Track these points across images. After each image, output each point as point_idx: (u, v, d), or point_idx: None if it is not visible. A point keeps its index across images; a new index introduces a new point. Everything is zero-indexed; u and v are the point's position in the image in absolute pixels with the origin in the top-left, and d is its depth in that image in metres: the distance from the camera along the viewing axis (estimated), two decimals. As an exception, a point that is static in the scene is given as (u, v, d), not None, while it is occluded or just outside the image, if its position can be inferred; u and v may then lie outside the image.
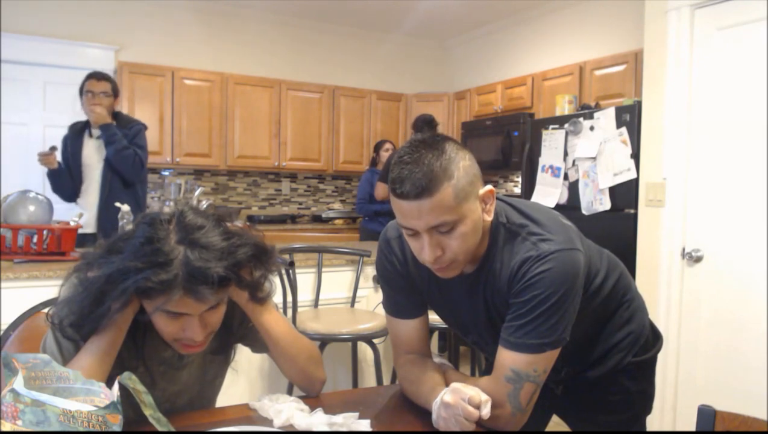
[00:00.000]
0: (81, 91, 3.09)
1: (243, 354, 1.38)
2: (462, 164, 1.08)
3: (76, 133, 3.18)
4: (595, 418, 1.38)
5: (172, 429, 0.94)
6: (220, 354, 1.29)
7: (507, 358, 1.11)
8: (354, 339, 2.38)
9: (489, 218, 1.14)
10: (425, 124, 4.21)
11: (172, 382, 1.23)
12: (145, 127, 3.21)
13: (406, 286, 1.30)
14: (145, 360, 1.18)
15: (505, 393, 1.10)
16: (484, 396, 1.06)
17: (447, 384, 1.14)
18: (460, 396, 1.05)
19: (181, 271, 0.99)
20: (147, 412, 0.91)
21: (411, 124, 4.46)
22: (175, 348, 1.13)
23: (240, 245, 1.08)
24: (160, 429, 0.93)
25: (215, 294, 1.03)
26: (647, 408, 1.40)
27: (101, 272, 1.03)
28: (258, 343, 1.31)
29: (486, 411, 1.05)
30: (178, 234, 1.03)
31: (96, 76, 3.09)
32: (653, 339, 1.40)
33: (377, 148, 4.73)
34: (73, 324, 1.07)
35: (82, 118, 3.17)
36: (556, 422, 1.47)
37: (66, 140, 3.20)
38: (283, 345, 1.25)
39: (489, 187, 1.13)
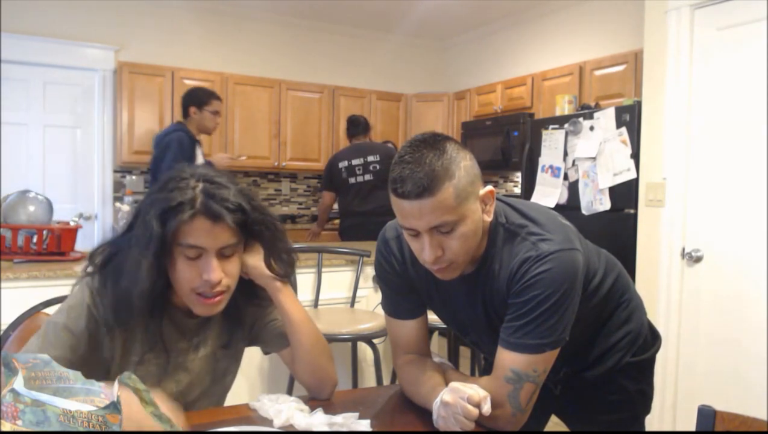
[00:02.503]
0: (200, 104, 3.56)
1: (244, 354, 1.37)
2: (463, 164, 1.08)
3: (192, 138, 3.54)
4: (593, 418, 1.38)
5: (175, 426, 0.95)
6: (230, 348, 1.30)
7: (507, 359, 1.11)
8: (354, 339, 2.38)
9: (489, 219, 1.14)
10: (351, 124, 4.32)
11: (186, 374, 1.24)
12: None
13: (404, 287, 1.30)
14: (163, 348, 1.21)
15: (505, 393, 1.10)
16: (483, 393, 1.06)
17: (447, 384, 1.14)
18: (459, 395, 1.05)
19: (200, 196, 1.09)
20: (148, 410, 0.91)
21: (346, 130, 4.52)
22: (194, 307, 1.15)
23: (255, 199, 1.17)
24: (162, 426, 0.93)
25: (231, 217, 1.09)
26: (646, 408, 1.40)
27: (137, 213, 1.14)
28: (271, 342, 1.33)
29: (486, 408, 1.05)
30: (199, 177, 1.13)
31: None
32: (652, 339, 1.40)
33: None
34: (124, 295, 1.11)
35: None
36: (555, 422, 1.48)
37: (182, 142, 3.46)
38: (301, 331, 1.26)
39: (489, 187, 1.13)
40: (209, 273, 1.10)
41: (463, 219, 1.07)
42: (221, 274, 1.12)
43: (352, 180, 4.07)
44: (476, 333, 1.31)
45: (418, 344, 1.32)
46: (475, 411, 1.04)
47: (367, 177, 4.03)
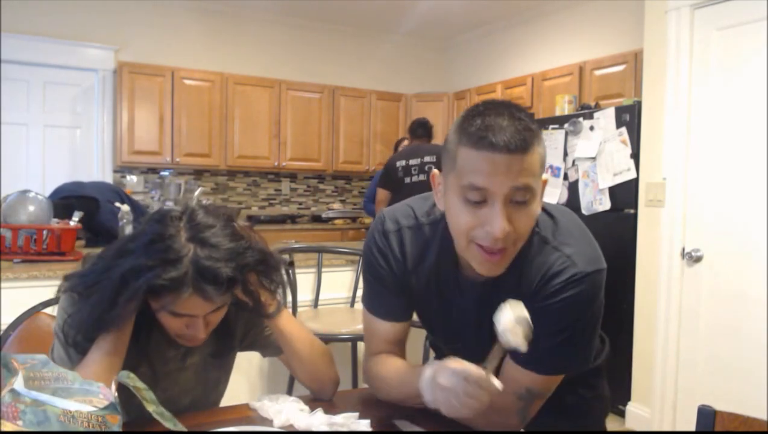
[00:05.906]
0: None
1: (243, 355, 1.37)
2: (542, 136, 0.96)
3: None
4: (554, 423, 1.27)
5: (178, 423, 0.94)
6: (219, 357, 1.28)
7: (524, 377, 1.04)
8: (354, 339, 2.38)
9: (539, 210, 0.99)
10: (420, 126, 4.26)
11: (174, 383, 1.23)
12: None
13: (398, 288, 1.16)
14: (150, 358, 1.18)
15: (515, 409, 1.06)
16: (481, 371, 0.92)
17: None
18: (459, 372, 0.92)
19: (191, 270, 0.99)
20: (150, 408, 0.91)
21: (408, 129, 4.49)
22: (178, 341, 1.14)
23: (248, 248, 1.07)
24: (165, 424, 0.92)
25: (222, 296, 1.03)
26: (606, 411, 1.38)
27: (113, 274, 1.02)
28: (268, 348, 1.31)
29: (497, 383, 0.92)
30: (188, 232, 1.02)
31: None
32: (600, 344, 1.31)
33: (398, 145, 4.74)
34: (86, 335, 1.06)
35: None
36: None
37: None
38: (301, 351, 1.24)
39: (546, 175, 1.00)
40: (196, 332, 1.09)
41: (536, 194, 0.94)
42: (204, 335, 1.11)
43: (407, 179, 4.04)
44: (464, 342, 1.17)
45: (398, 347, 1.22)
46: (482, 392, 0.91)
47: (422, 177, 4.00)
